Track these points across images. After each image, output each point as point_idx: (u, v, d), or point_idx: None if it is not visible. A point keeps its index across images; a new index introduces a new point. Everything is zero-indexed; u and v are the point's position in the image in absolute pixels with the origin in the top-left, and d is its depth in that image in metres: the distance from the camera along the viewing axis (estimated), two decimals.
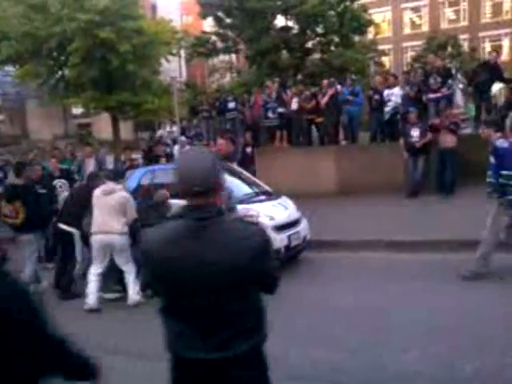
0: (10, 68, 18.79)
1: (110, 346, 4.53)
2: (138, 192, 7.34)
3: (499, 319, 4.60)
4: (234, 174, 8.07)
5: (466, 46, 33.21)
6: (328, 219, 8.63)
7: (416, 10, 37.98)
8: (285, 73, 22.43)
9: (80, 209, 6.31)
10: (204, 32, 26.39)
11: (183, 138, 12.35)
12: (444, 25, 36.14)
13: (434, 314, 4.80)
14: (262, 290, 2.12)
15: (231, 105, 14.33)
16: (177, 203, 6.63)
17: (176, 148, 12.45)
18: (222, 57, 30.02)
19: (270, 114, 12.71)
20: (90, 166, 10.18)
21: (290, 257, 6.89)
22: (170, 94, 13.54)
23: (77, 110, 24.03)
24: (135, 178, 8.26)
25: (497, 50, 15.06)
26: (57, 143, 17.21)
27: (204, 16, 25.21)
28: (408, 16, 38.30)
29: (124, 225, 5.88)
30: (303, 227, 7.18)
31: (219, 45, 25.81)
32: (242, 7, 22.78)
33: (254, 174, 10.39)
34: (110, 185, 6.06)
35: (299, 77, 22.58)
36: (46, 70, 16.25)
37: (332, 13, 23.63)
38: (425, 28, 36.73)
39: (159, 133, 18.70)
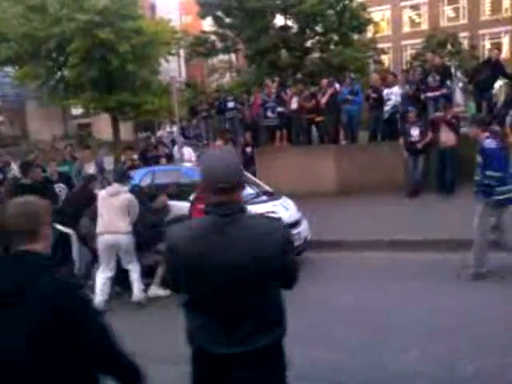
0: (9, 69, 18.79)
1: None
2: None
3: (500, 319, 4.61)
4: None
5: (465, 43, 33.18)
6: (328, 219, 8.63)
7: (415, 8, 37.94)
8: (284, 72, 22.43)
9: (76, 210, 6.34)
10: (203, 32, 26.39)
11: (181, 139, 12.34)
12: (443, 23, 36.10)
13: (435, 313, 4.81)
14: (282, 286, 2.19)
15: (230, 104, 14.33)
16: (176, 205, 6.67)
17: (175, 149, 12.44)
18: (221, 56, 30.02)
19: (270, 114, 12.70)
20: (90, 169, 10.15)
21: None
22: (169, 93, 13.53)
23: (76, 111, 24.05)
24: (135, 178, 8.27)
25: (498, 47, 14.99)
26: (56, 144, 17.22)
27: (203, 16, 25.20)
28: (407, 14, 38.26)
29: (129, 224, 5.95)
30: (304, 228, 7.19)
31: (218, 44, 25.81)
32: (241, 7, 22.77)
33: (254, 174, 10.39)
34: (115, 186, 6.15)
35: (299, 76, 22.56)
36: (45, 71, 16.24)
37: (331, 12, 23.62)
38: (424, 26, 36.68)
39: (159, 133, 18.70)
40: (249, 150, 12.04)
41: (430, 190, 9.93)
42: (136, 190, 6.55)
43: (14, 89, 20.09)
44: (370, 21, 26.12)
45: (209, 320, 2.07)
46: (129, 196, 6.13)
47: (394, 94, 11.21)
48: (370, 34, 29.89)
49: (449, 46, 30.82)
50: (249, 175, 8.81)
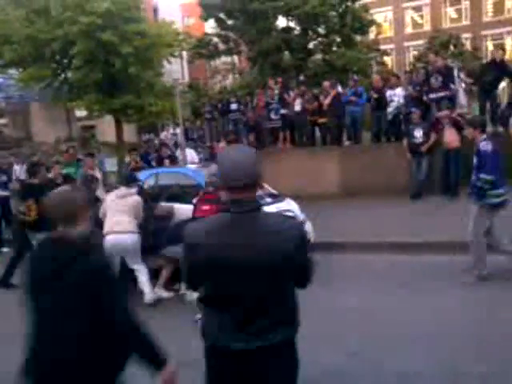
0: (13, 71, 18.84)
1: None
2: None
3: (503, 321, 4.60)
4: None
5: (468, 44, 33.15)
6: (332, 221, 8.62)
7: (417, 9, 37.93)
8: (287, 74, 22.44)
9: None
10: (206, 34, 26.43)
11: (183, 140, 12.36)
12: (446, 24, 36.08)
13: (437, 315, 4.81)
14: (296, 284, 2.22)
15: (234, 106, 14.37)
16: (180, 207, 6.67)
17: (178, 151, 12.48)
18: (223, 58, 30.06)
19: (273, 116, 12.73)
20: (98, 189, 10.11)
21: None
22: (172, 96, 13.55)
23: (80, 113, 24.04)
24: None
25: (502, 47, 14.91)
26: (61, 147, 17.25)
27: (206, 18, 25.24)
28: (409, 15, 38.25)
29: (135, 225, 6.00)
30: (307, 230, 7.17)
31: (221, 46, 25.84)
32: (243, 9, 22.80)
33: None
34: (122, 189, 6.24)
35: (301, 78, 22.59)
36: (49, 73, 16.28)
37: (333, 13, 23.62)
38: (427, 27, 36.66)
39: (162, 135, 18.73)
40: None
41: (433, 192, 9.91)
42: (139, 192, 6.57)
43: (17, 91, 20.13)
44: (372, 22, 26.11)
45: (225, 315, 2.10)
46: (137, 197, 6.22)
47: (396, 96, 11.23)
48: (372, 36, 29.89)
49: (451, 48, 30.79)
50: None
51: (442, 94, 10.44)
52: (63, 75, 16.90)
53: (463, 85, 11.09)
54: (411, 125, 10.38)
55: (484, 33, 34.57)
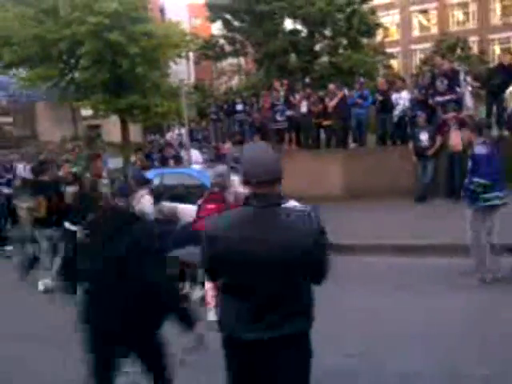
0: (19, 70, 18.92)
1: None
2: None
3: (504, 322, 4.60)
4: None
5: (475, 48, 33.06)
6: (335, 223, 8.53)
7: (425, 12, 37.87)
8: (293, 76, 22.46)
9: (85, 208, 6.40)
10: (212, 35, 26.48)
11: (188, 141, 12.39)
12: (453, 27, 36.00)
13: (439, 316, 4.81)
14: (311, 280, 2.27)
15: (239, 107, 14.39)
16: (184, 208, 6.68)
17: (183, 151, 12.50)
18: (230, 59, 30.10)
19: (279, 117, 12.74)
20: (105, 187, 10.11)
21: None
22: (178, 96, 13.59)
23: (86, 112, 24.12)
24: None
25: (510, 51, 14.88)
26: (67, 146, 17.30)
27: (213, 19, 25.30)
28: (417, 18, 38.19)
29: None
30: None
31: (227, 48, 25.87)
32: (250, 10, 22.83)
33: None
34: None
35: (307, 80, 22.62)
36: (56, 73, 16.35)
37: (340, 16, 23.62)
38: (434, 30, 36.60)
39: (168, 136, 18.77)
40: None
41: (438, 195, 9.88)
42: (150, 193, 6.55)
43: (23, 89, 20.21)
44: (379, 25, 26.12)
45: (241, 307, 2.16)
46: (149, 198, 6.19)
47: (402, 99, 11.22)
48: (379, 39, 29.86)
49: (458, 51, 30.72)
50: None
51: (447, 97, 10.42)
52: (70, 75, 16.97)
53: (470, 88, 11.05)
54: (417, 128, 10.37)
55: (491, 36, 34.47)
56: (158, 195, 7.10)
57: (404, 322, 4.77)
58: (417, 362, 3.97)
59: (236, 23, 24.82)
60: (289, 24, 24.90)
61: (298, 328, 2.17)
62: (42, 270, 6.85)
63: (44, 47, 15.60)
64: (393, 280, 6.11)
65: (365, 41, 25.72)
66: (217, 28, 27.35)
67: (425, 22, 38.05)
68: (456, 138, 9.70)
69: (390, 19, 36.76)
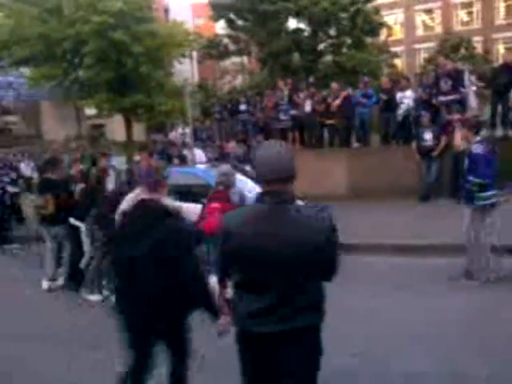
0: (24, 69, 18.99)
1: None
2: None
3: (506, 322, 4.60)
4: (247, 176, 8.07)
5: (479, 47, 32.96)
6: (338, 222, 8.57)
7: (428, 11, 37.77)
8: (297, 75, 22.47)
9: (91, 203, 6.45)
10: (216, 35, 26.49)
11: (190, 140, 12.40)
12: (457, 27, 35.89)
13: (443, 316, 4.81)
14: (322, 276, 2.29)
15: (243, 106, 14.38)
16: (189, 206, 6.69)
17: (185, 151, 12.51)
18: (233, 58, 30.11)
19: (282, 116, 12.73)
20: (110, 183, 10.11)
21: None
22: (182, 95, 13.60)
23: (90, 111, 24.21)
24: None
25: None
26: (71, 144, 17.37)
27: (216, 18, 25.31)
28: (420, 18, 38.10)
29: None
30: None
31: (231, 47, 25.89)
32: (253, 8, 22.83)
33: None
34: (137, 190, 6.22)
35: (311, 79, 22.61)
36: (60, 72, 16.39)
37: (344, 15, 23.60)
38: (438, 30, 36.50)
39: (171, 135, 18.78)
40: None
41: (442, 195, 9.86)
42: None
43: (28, 89, 20.28)
44: (383, 24, 26.08)
45: (252, 301, 2.20)
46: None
47: (406, 98, 11.20)
48: (383, 38, 29.82)
49: (462, 50, 30.63)
50: None
51: (451, 97, 10.40)
52: (74, 74, 17.01)
53: (474, 88, 11.02)
54: (421, 127, 10.35)
55: (495, 36, 34.35)
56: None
57: (404, 321, 4.78)
58: (419, 362, 3.98)
59: (240, 22, 24.83)
60: (292, 23, 24.90)
61: (309, 321, 2.21)
62: (47, 268, 6.88)
63: (48, 46, 15.64)
64: (393, 280, 6.11)
65: (369, 40, 25.70)
66: (220, 27, 27.37)
67: (429, 22, 37.95)
68: (459, 138, 9.69)
69: (393, 18, 36.68)
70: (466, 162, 5.68)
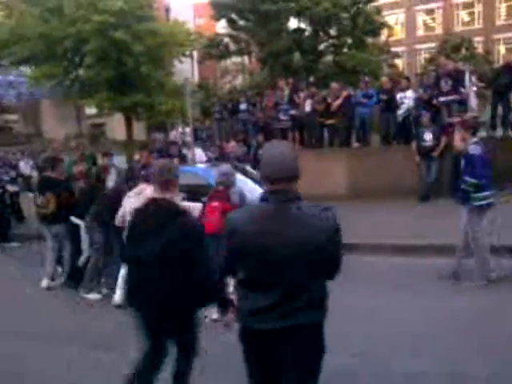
0: (24, 68, 19.00)
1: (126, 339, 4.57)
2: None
3: (506, 322, 4.61)
4: (247, 175, 8.07)
5: (480, 48, 32.94)
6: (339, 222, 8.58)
7: (429, 12, 37.75)
8: (297, 75, 22.46)
9: (90, 200, 6.45)
10: (217, 34, 26.49)
11: (190, 140, 12.40)
12: (458, 27, 35.88)
13: (443, 316, 4.81)
14: (325, 275, 2.31)
15: (243, 106, 14.37)
16: (190, 205, 6.69)
17: (185, 150, 12.50)
18: (234, 58, 30.11)
19: (282, 116, 12.72)
20: (110, 181, 10.12)
21: None
22: (182, 95, 13.60)
23: (90, 111, 24.21)
24: None
25: None
26: (71, 143, 17.37)
27: (217, 18, 25.30)
28: (421, 18, 38.09)
29: None
30: None
31: (232, 47, 25.88)
32: (254, 9, 22.82)
33: None
34: (141, 186, 6.21)
35: (312, 79, 22.60)
36: (61, 71, 16.40)
37: (345, 15, 23.60)
38: (438, 30, 36.48)
39: (172, 134, 18.79)
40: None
41: (442, 195, 9.84)
42: None
43: (29, 88, 20.29)
44: (384, 24, 26.06)
45: (255, 298, 2.22)
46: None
47: (407, 98, 11.19)
48: (383, 38, 29.81)
49: (463, 51, 30.62)
50: None
51: (451, 97, 10.38)
52: (75, 73, 17.02)
53: (474, 88, 11.02)
54: (421, 128, 10.35)
55: (496, 36, 34.34)
56: None
57: (404, 321, 4.78)
58: (419, 362, 3.98)
59: (241, 22, 24.82)
60: (293, 23, 24.89)
61: (311, 318, 2.23)
62: (47, 267, 6.88)
63: (49, 45, 15.64)
64: (393, 280, 6.11)
65: (369, 40, 25.69)
66: (221, 26, 27.37)
67: (430, 22, 37.94)
68: (459, 139, 9.68)
69: (394, 18, 36.66)
70: (463, 162, 5.70)
